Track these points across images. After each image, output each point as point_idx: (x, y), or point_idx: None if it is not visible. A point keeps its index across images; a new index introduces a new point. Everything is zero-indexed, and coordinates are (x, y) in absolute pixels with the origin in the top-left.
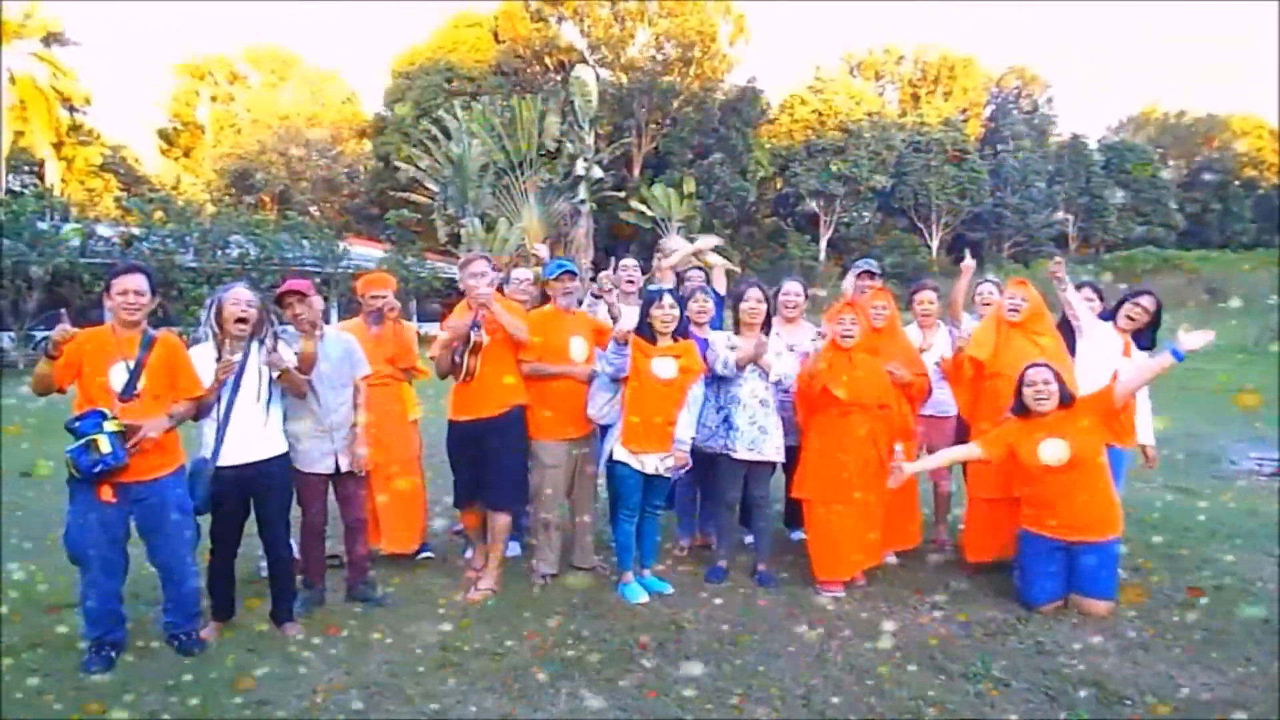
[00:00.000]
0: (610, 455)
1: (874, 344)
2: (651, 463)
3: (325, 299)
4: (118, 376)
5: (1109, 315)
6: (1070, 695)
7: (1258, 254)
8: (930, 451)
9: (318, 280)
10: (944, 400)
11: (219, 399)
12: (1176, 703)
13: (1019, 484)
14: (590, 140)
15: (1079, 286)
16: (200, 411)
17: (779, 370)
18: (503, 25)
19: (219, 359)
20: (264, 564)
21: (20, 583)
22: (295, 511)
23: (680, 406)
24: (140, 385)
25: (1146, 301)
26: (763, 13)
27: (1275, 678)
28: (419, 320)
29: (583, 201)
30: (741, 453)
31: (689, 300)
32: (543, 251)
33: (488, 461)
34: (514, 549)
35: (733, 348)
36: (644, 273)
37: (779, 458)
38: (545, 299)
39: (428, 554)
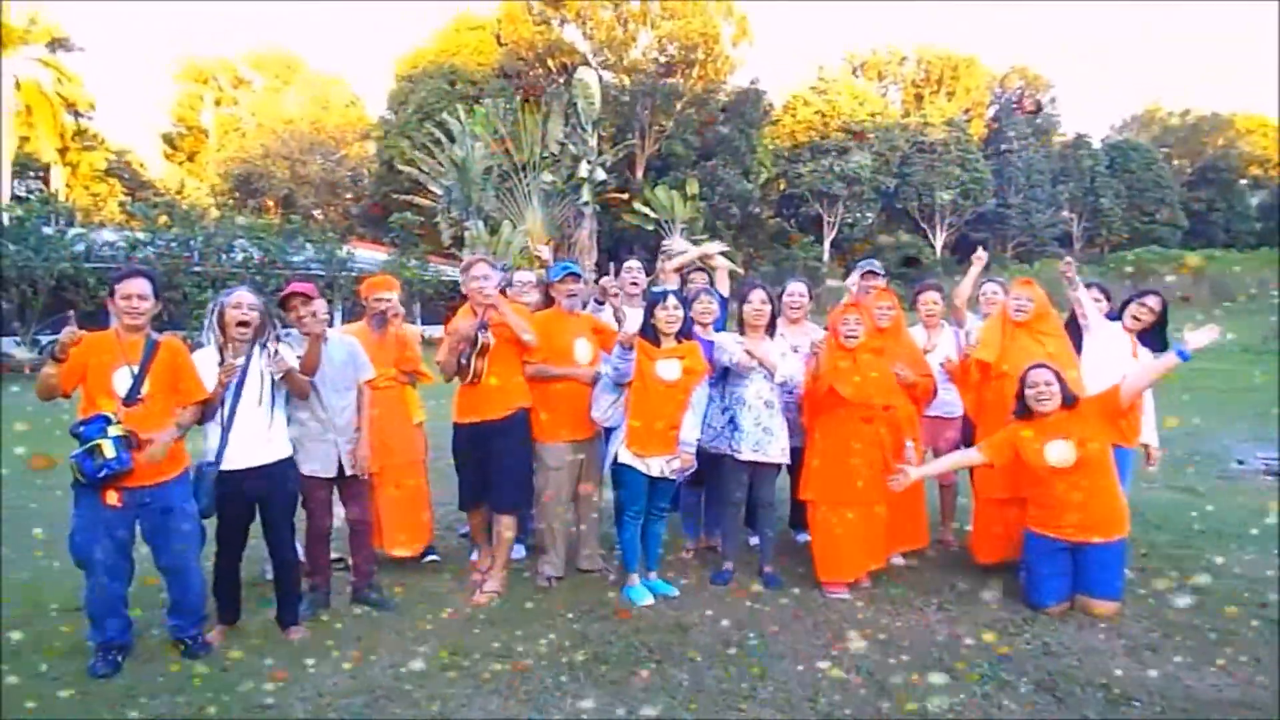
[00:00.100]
0: (615, 458)
1: (879, 345)
2: (656, 465)
3: (329, 302)
4: (121, 381)
5: (1115, 316)
6: (1077, 696)
7: (1262, 253)
8: (935, 452)
9: (322, 284)
10: (949, 401)
11: (222, 403)
12: (1184, 704)
13: (1025, 485)
14: (593, 142)
15: (1086, 286)
16: (204, 415)
17: (784, 372)
18: (505, 28)
19: (221, 363)
20: (269, 567)
21: (27, 585)
22: (300, 515)
23: (684, 408)
24: (144, 390)
25: (1152, 301)
26: (765, 14)
27: None
28: (423, 323)
29: (586, 204)
30: (746, 454)
31: (693, 302)
32: (546, 253)
33: (493, 464)
34: (519, 551)
35: (736, 356)
36: (648, 274)
37: (784, 459)
38: (549, 301)
39: (433, 557)
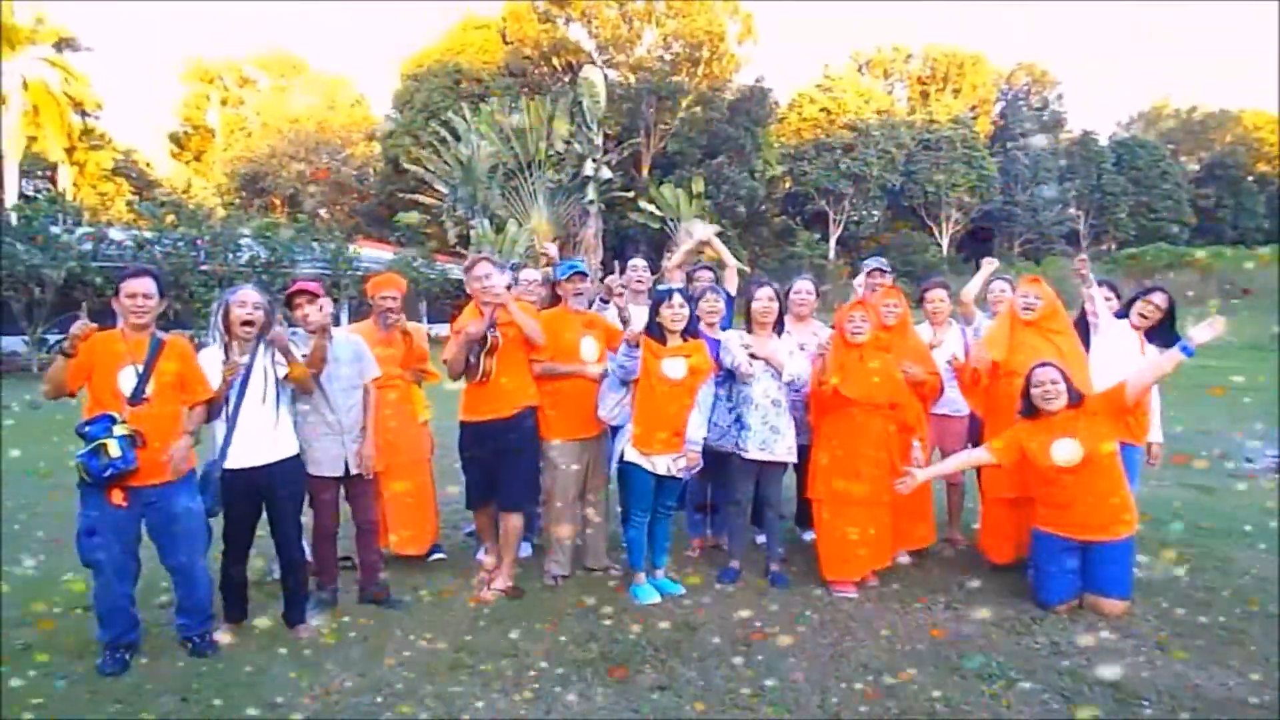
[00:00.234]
0: (621, 456)
1: (885, 342)
2: (663, 463)
3: (335, 301)
4: (127, 380)
5: (1122, 313)
6: (1086, 695)
7: (1271, 249)
8: (942, 450)
9: (328, 283)
10: (956, 399)
11: (226, 401)
12: (1194, 703)
13: (1032, 484)
14: (598, 141)
15: (1098, 284)
16: (211, 414)
17: (791, 370)
18: (510, 26)
19: (226, 361)
20: (276, 566)
21: (37, 583)
22: (307, 514)
23: (690, 407)
24: (149, 389)
25: (1158, 299)
26: (770, 12)
27: None
28: (428, 322)
29: (591, 202)
30: (753, 452)
31: (699, 300)
32: (552, 250)
33: (500, 462)
34: (525, 550)
35: (746, 345)
36: (653, 273)
37: (791, 458)
38: (555, 300)
39: (439, 555)
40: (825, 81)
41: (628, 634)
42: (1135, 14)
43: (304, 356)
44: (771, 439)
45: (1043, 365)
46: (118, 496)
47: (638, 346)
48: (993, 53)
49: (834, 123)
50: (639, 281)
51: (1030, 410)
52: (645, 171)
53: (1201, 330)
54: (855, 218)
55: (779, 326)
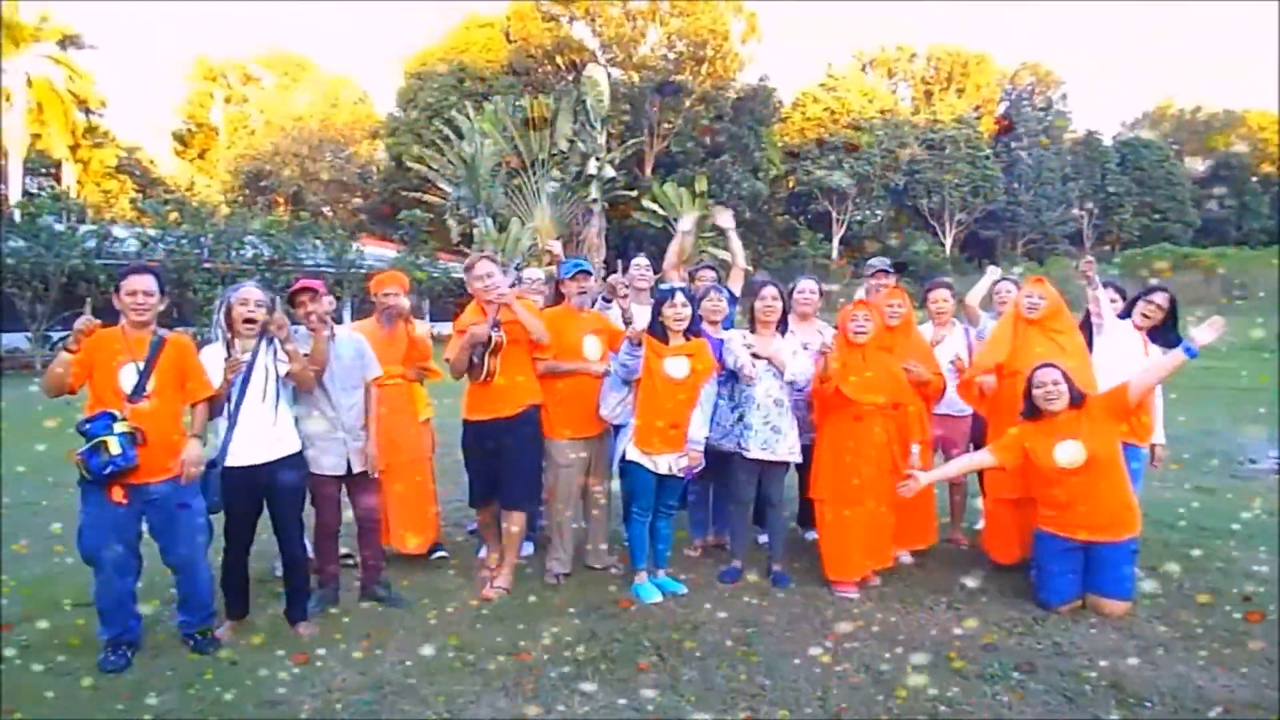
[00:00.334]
0: (623, 455)
1: (889, 342)
2: (664, 462)
3: (338, 299)
4: (127, 378)
5: (1124, 314)
6: (1088, 696)
7: (1275, 250)
8: (945, 450)
9: (331, 281)
10: (959, 400)
11: (228, 398)
12: (1196, 704)
13: (1035, 485)
14: (602, 139)
15: (1103, 286)
16: (213, 411)
17: (794, 370)
18: (514, 25)
19: (229, 358)
20: (278, 563)
21: (40, 580)
22: (309, 511)
23: (693, 406)
24: (150, 386)
25: (1160, 298)
26: (774, 10)
27: None
28: (431, 320)
29: (595, 201)
30: (755, 452)
31: (702, 299)
32: (557, 248)
33: (503, 461)
34: (527, 548)
35: (749, 345)
36: (656, 272)
37: (793, 458)
38: (558, 298)
39: (441, 553)
40: (829, 81)
41: (629, 633)
42: (1139, 13)
43: (305, 355)
44: (773, 439)
45: (1044, 366)
46: (118, 494)
47: (640, 345)
48: (997, 53)
49: (837, 122)
50: (642, 280)
51: (1032, 411)
52: (648, 170)
53: (1204, 332)
54: (859, 217)
55: (782, 326)
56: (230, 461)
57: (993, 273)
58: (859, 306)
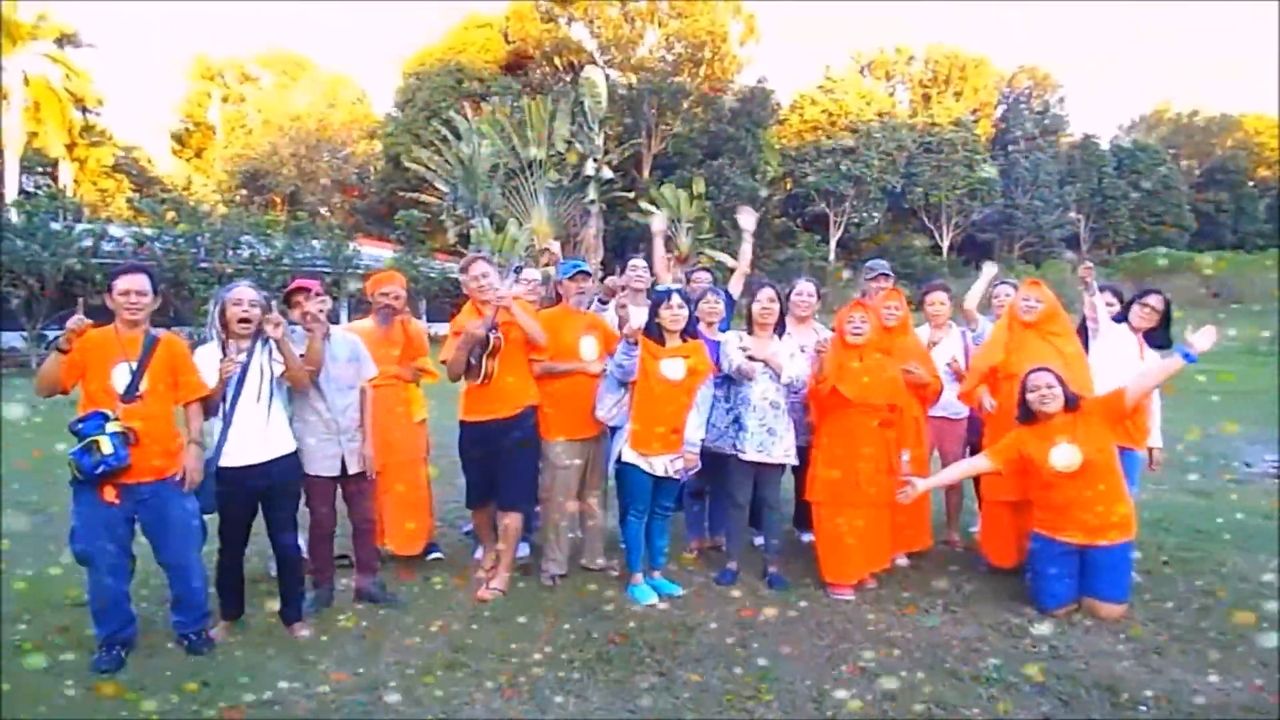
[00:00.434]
0: (619, 456)
1: (886, 344)
2: (660, 464)
3: (334, 299)
4: (120, 377)
5: (1121, 317)
6: (1084, 700)
7: (1271, 254)
8: (941, 452)
9: (328, 281)
10: (955, 402)
11: (223, 399)
12: (1191, 708)
13: (1031, 488)
14: (599, 141)
15: (1100, 291)
16: (208, 411)
17: (790, 372)
18: (513, 26)
19: (224, 358)
20: (273, 563)
21: (32, 580)
22: (304, 512)
23: (689, 408)
24: (143, 386)
25: (1154, 300)
26: (773, 13)
27: None
28: (429, 320)
29: (592, 202)
30: (750, 454)
31: (698, 301)
32: (555, 248)
33: (500, 462)
34: (523, 550)
35: (744, 348)
36: (653, 273)
37: (789, 460)
38: (556, 299)
39: (436, 554)
40: (827, 83)
41: (625, 635)
42: (1136, 14)
43: (301, 355)
44: (769, 441)
45: (1037, 370)
46: (110, 494)
47: (636, 344)
48: (994, 55)
49: (835, 125)
50: (638, 280)
51: (1027, 415)
52: (646, 172)
53: (1202, 338)
54: (856, 220)
55: (780, 328)
56: (225, 461)
57: (989, 269)
58: (856, 308)
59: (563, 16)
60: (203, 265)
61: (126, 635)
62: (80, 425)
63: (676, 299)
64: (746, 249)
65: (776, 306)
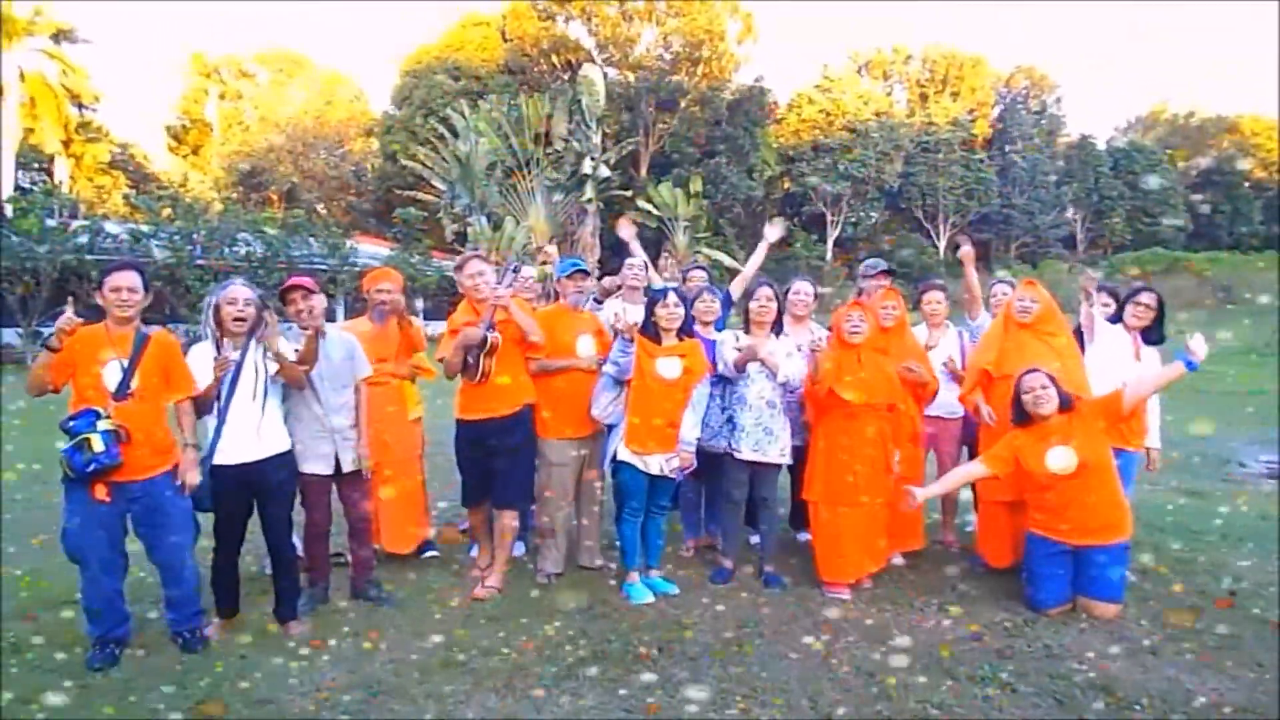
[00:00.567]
0: (614, 455)
1: (883, 344)
2: (656, 463)
3: (331, 297)
4: (111, 375)
5: (1115, 318)
6: (1079, 700)
7: (1267, 255)
8: (937, 452)
9: (324, 279)
10: (951, 401)
11: (218, 396)
12: (1185, 708)
13: (1026, 488)
14: (597, 139)
15: (1097, 290)
16: (201, 409)
17: (786, 371)
18: (510, 24)
19: (218, 357)
20: (268, 562)
21: (26, 578)
22: (299, 510)
23: (684, 406)
24: (134, 384)
25: (1147, 299)
26: (770, 12)
27: None
28: (425, 318)
29: (589, 201)
30: (746, 453)
31: (695, 300)
32: (553, 250)
33: (496, 460)
34: (518, 549)
35: (739, 348)
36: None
37: (784, 460)
38: (553, 297)
39: (433, 552)
40: (824, 82)
41: (621, 633)
42: (1133, 14)
43: (296, 351)
44: (765, 440)
45: (1030, 371)
46: (101, 492)
47: (632, 341)
48: (991, 55)
49: (832, 124)
50: (635, 280)
51: (1022, 417)
52: (643, 171)
53: (1200, 345)
54: (853, 219)
55: (777, 327)
56: (219, 460)
57: (966, 254)
58: (853, 307)
59: (560, 15)
60: (199, 262)
61: (120, 633)
62: (71, 423)
63: (673, 297)
64: (759, 257)
65: (774, 305)
